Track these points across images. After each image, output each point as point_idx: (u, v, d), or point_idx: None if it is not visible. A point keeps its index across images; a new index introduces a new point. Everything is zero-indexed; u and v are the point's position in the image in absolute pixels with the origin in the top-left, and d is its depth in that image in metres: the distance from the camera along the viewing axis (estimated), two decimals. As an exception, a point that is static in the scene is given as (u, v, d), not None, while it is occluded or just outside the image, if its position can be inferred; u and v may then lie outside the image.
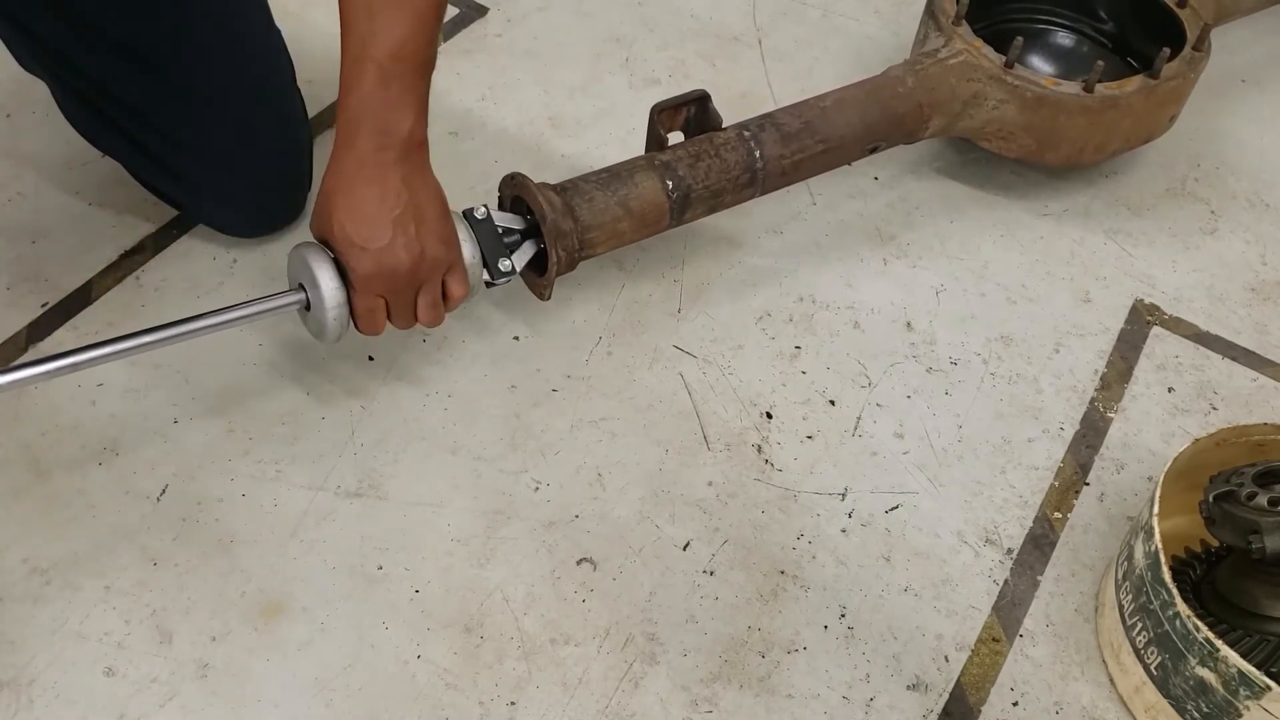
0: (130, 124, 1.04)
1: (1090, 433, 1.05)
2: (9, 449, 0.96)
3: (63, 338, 1.04)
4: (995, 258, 1.19)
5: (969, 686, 0.89)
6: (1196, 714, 0.81)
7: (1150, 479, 1.02)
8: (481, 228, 0.95)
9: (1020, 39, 1.15)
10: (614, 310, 1.11)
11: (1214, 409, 1.08)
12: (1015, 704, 0.88)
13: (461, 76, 1.33)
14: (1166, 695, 0.83)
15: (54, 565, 0.90)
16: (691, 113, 1.06)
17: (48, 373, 0.81)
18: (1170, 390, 1.09)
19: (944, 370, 1.09)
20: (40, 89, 1.09)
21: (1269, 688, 0.75)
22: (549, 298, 1.02)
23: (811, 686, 0.88)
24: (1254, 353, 1.13)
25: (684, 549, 0.95)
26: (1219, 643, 0.77)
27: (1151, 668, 0.84)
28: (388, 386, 1.03)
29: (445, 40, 1.38)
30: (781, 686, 0.88)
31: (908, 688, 0.88)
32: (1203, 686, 0.80)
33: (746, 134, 1.05)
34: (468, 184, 1.21)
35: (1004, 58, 1.14)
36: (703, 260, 1.16)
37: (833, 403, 1.06)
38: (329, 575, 0.91)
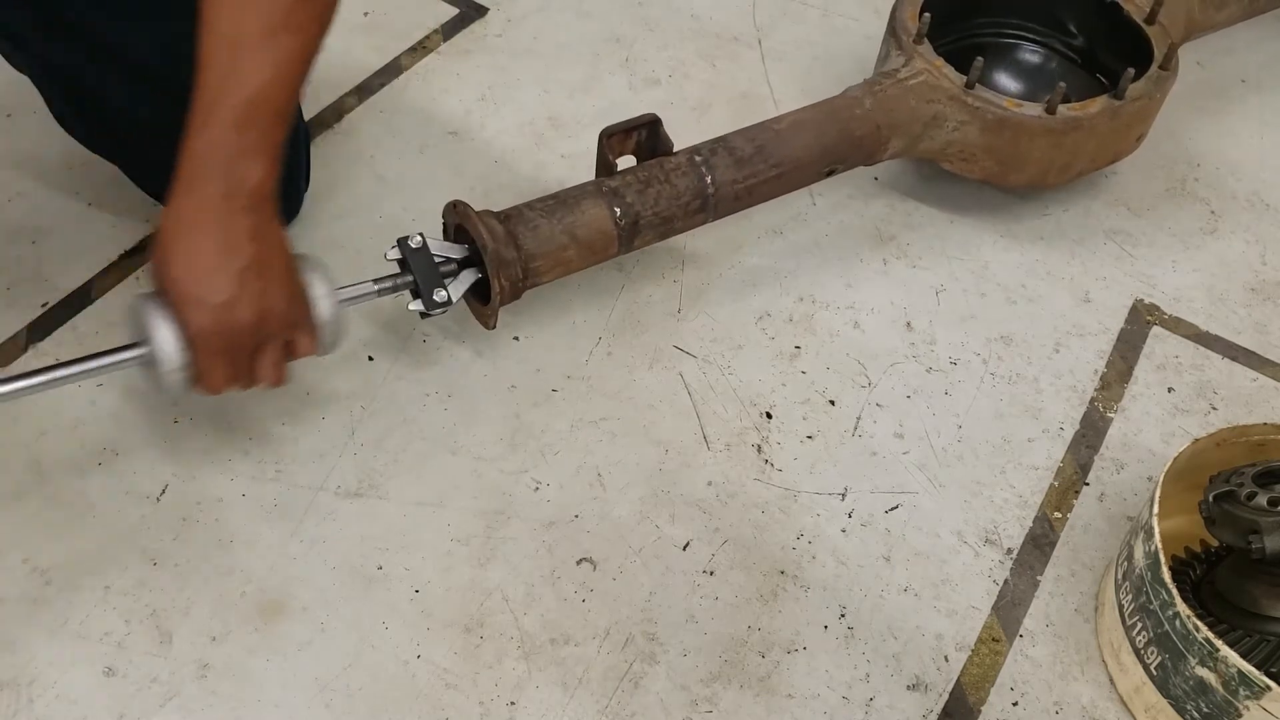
0: (121, 125, 1.04)
1: (1090, 433, 1.05)
2: (9, 449, 0.96)
3: (63, 337, 1.04)
4: (995, 258, 1.19)
5: (969, 686, 0.89)
6: (1196, 714, 0.81)
7: (1150, 479, 1.02)
8: (417, 257, 0.94)
9: (980, 59, 1.11)
10: (614, 310, 1.11)
11: (1214, 409, 1.08)
12: (1015, 704, 0.88)
13: (461, 76, 1.33)
14: (1166, 695, 0.83)
15: (54, 565, 0.90)
16: (642, 137, 1.03)
17: None
18: (1170, 390, 1.09)
19: (944, 370, 1.09)
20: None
21: (1269, 688, 0.75)
22: (494, 327, 1.01)
23: (811, 686, 0.88)
24: (1254, 353, 1.13)
25: (684, 549, 0.95)
26: (1219, 643, 0.77)
27: (1151, 668, 0.84)
28: (388, 386, 1.03)
29: (445, 40, 1.38)
30: (781, 686, 0.88)
31: (908, 688, 0.88)
32: (1202, 686, 0.80)
33: (698, 159, 1.03)
34: (468, 184, 1.21)
35: (965, 78, 1.11)
36: (703, 260, 1.16)
37: (833, 403, 1.06)
38: (329, 575, 0.91)
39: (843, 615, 0.92)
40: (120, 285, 1.09)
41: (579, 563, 0.93)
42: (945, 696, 0.88)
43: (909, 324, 1.13)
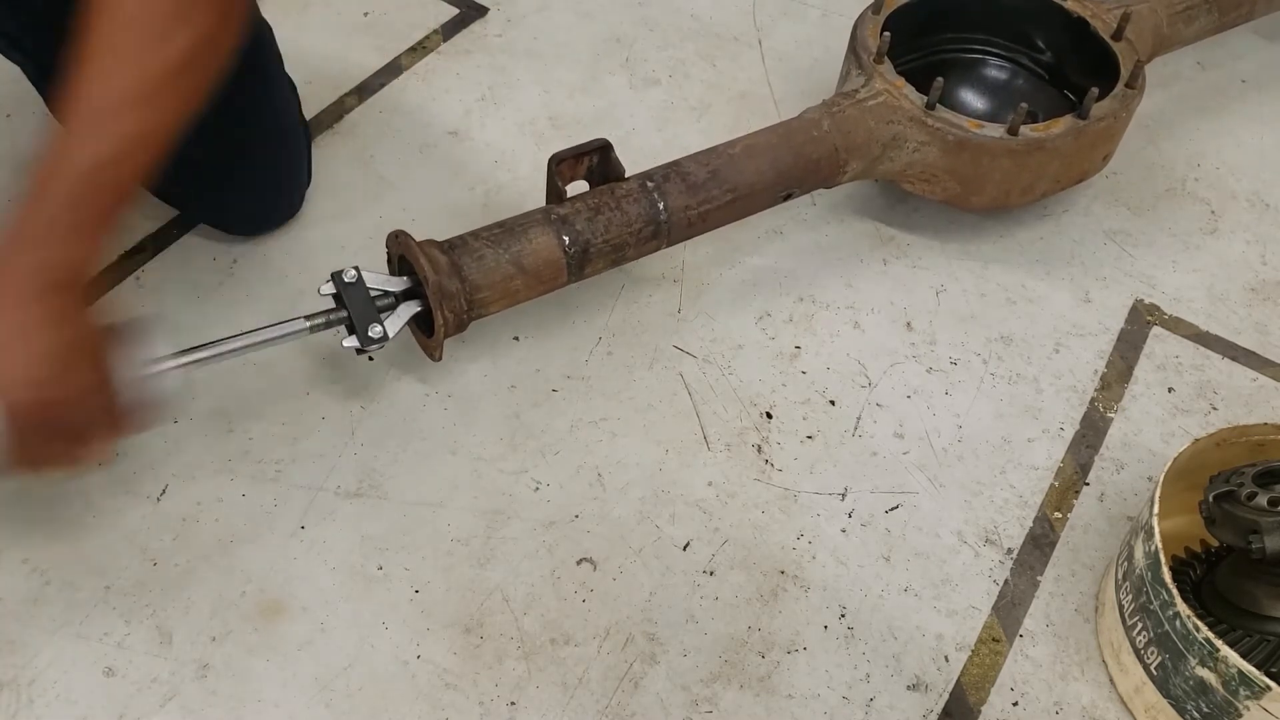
0: None
1: (1090, 433, 1.05)
2: (9, 449, 0.96)
3: (63, 338, 1.04)
4: (995, 258, 1.19)
5: (969, 686, 0.89)
6: (1196, 714, 0.81)
7: (1150, 479, 1.02)
8: (351, 292, 0.91)
9: (941, 80, 1.08)
10: (614, 310, 1.12)
11: (1214, 409, 1.08)
12: (1015, 704, 0.88)
13: (461, 76, 1.33)
14: (1166, 695, 0.83)
15: (54, 565, 0.90)
16: (594, 162, 1.01)
17: None
18: (1170, 390, 1.09)
19: (944, 370, 1.09)
20: (40, 89, 1.09)
21: (1269, 688, 0.75)
22: (440, 358, 0.98)
23: (811, 686, 0.88)
24: (1254, 353, 1.13)
25: (684, 549, 0.95)
26: (1219, 643, 0.77)
27: (1151, 668, 0.84)
28: (388, 386, 1.03)
29: (445, 40, 1.38)
30: (781, 686, 0.88)
31: (908, 688, 0.88)
32: (1203, 686, 0.80)
33: (650, 184, 1.00)
34: (468, 184, 1.21)
35: (925, 98, 1.08)
36: (703, 260, 1.16)
37: (833, 403, 1.06)
38: (329, 575, 0.91)
39: (843, 615, 0.92)
40: (120, 285, 1.09)
41: (579, 563, 0.93)
42: (945, 696, 0.88)
43: (909, 324, 1.13)
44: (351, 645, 0.87)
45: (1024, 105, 1.08)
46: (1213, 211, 1.26)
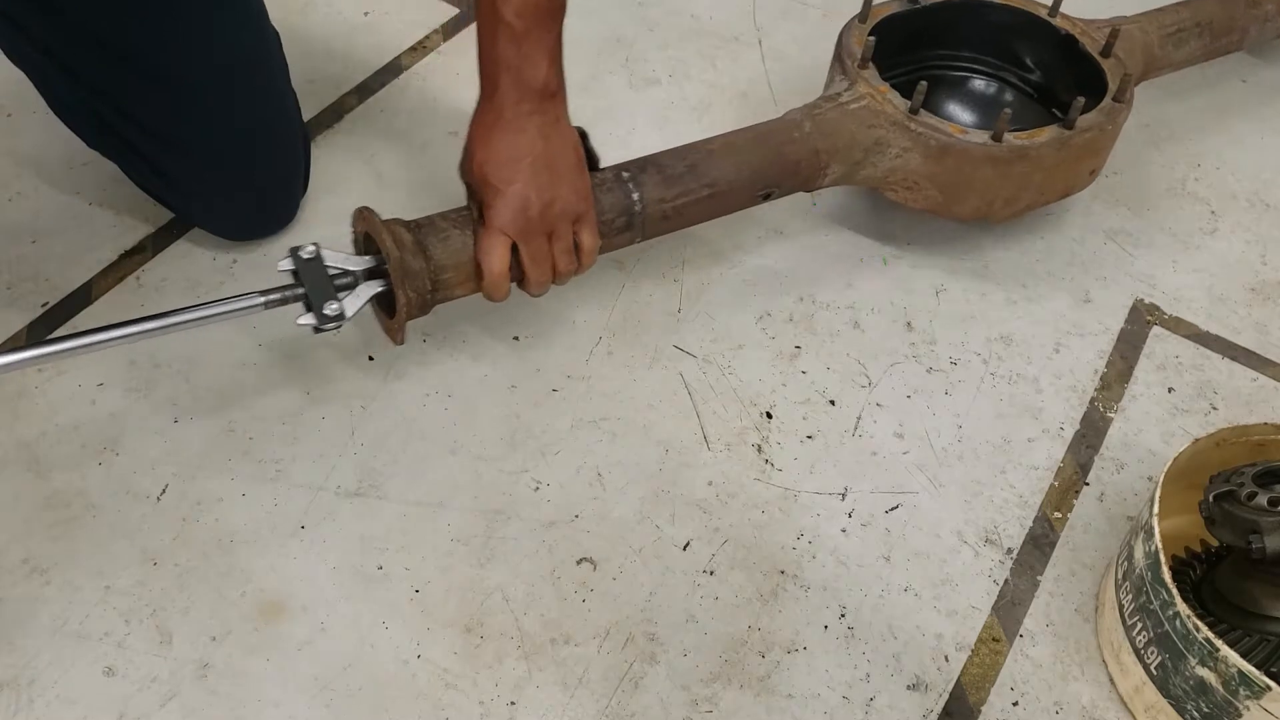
0: (123, 126, 1.04)
1: (1090, 433, 1.05)
2: (9, 449, 0.96)
3: (63, 338, 1.04)
4: (995, 258, 1.19)
5: (969, 686, 0.89)
6: (1196, 714, 0.82)
7: (1150, 479, 1.02)
8: (308, 268, 0.89)
9: (924, 84, 1.07)
10: (614, 310, 1.12)
11: (1214, 409, 1.08)
12: (1015, 704, 0.88)
13: (461, 76, 1.33)
14: (1166, 695, 0.83)
15: (54, 565, 0.90)
16: None
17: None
18: (1170, 390, 1.09)
19: (944, 370, 1.09)
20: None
21: (1269, 688, 0.75)
22: (402, 342, 0.95)
23: (811, 686, 0.88)
24: (1254, 353, 1.13)
25: (684, 549, 0.95)
26: (1219, 643, 0.77)
27: (1151, 668, 0.84)
28: (388, 386, 1.03)
29: (445, 40, 1.38)
30: (781, 686, 0.88)
31: (908, 688, 0.88)
32: (1203, 686, 0.80)
33: (625, 175, 0.99)
34: (468, 184, 1.21)
35: (909, 104, 1.07)
36: (703, 260, 1.16)
37: (833, 403, 1.06)
38: (329, 575, 0.91)
39: (843, 615, 0.92)
40: (120, 285, 1.09)
41: (579, 563, 0.93)
42: (945, 696, 0.88)
43: (909, 324, 1.13)
44: (351, 645, 0.87)
45: (1007, 110, 1.07)
46: (1213, 211, 1.26)
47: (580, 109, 1.30)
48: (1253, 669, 0.76)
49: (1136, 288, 1.18)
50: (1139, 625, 0.84)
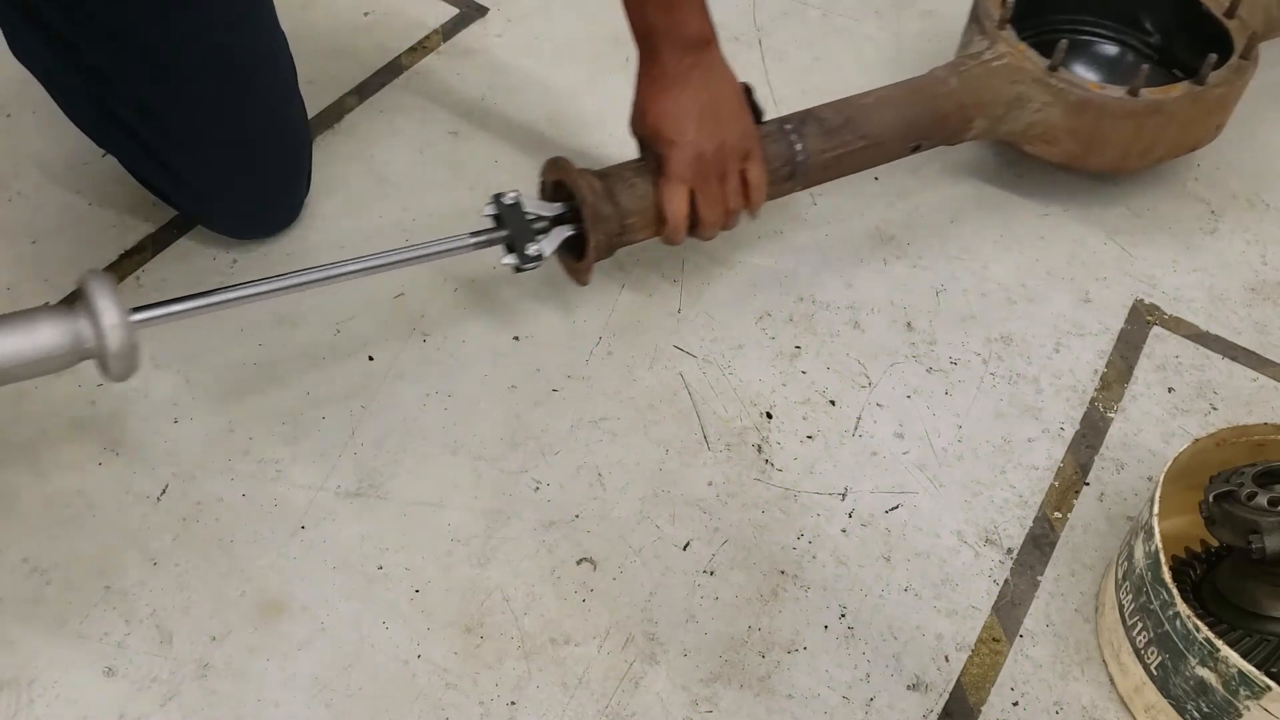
0: (131, 120, 1.04)
1: (1090, 433, 1.05)
2: (9, 449, 0.96)
3: (63, 338, 1.04)
4: (995, 258, 1.19)
5: (969, 686, 0.89)
6: (1196, 714, 0.82)
7: (1150, 479, 1.02)
8: (510, 212, 0.96)
9: (1065, 42, 1.14)
10: (614, 310, 1.12)
11: (1214, 409, 1.08)
12: (1015, 704, 0.88)
13: (461, 76, 1.33)
14: (1166, 695, 0.83)
15: (54, 565, 0.90)
16: None
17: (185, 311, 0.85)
18: (1170, 390, 1.09)
19: (944, 370, 1.09)
20: (42, 88, 1.09)
21: (1269, 688, 0.75)
22: (588, 283, 1.04)
23: (811, 686, 0.88)
24: (1254, 353, 1.13)
25: (684, 549, 0.95)
26: (1219, 643, 0.77)
27: (1151, 668, 0.84)
28: (388, 386, 1.03)
29: (445, 40, 1.38)
30: (781, 686, 0.88)
31: (908, 688, 0.88)
32: (1203, 686, 0.80)
33: (788, 127, 1.06)
34: (468, 184, 1.21)
35: (1048, 61, 1.14)
36: (703, 260, 1.16)
37: (833, 403, 1.06)
38: (329, 575, 0.91)
39: (843, 615, 0.92)
40: (120, 285, 1.09)
41: (579, 563, 0.93)
42: (945, 696, 0.88)
43: (909, 324, 1.13)
44: (351, 645, 0.87)
45: (1145, 67, 1.12)
46: (1213, 211, 1.26)
47: (581, 109, 1.31)
48: (1253, 669, 0.76)
49: (1136, 288, 1.18)
50: (1139, 625, 0.84)
